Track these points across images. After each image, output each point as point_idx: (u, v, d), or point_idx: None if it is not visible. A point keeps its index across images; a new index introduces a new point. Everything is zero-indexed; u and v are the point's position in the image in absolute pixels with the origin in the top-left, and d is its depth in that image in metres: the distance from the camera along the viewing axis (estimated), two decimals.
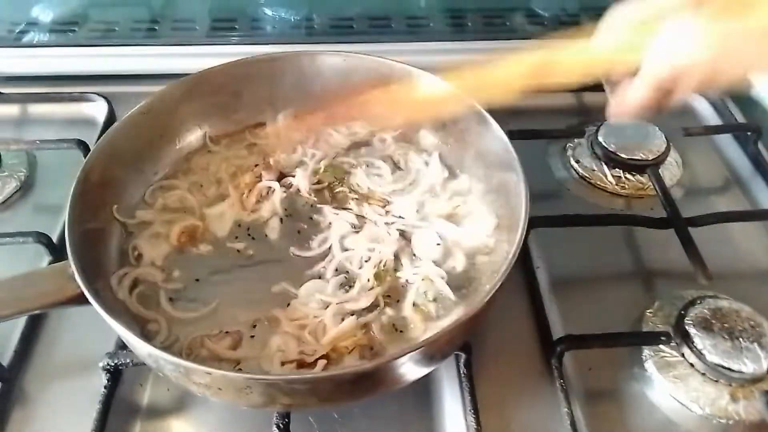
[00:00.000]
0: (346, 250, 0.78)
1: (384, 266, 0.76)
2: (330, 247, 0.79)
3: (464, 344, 0.71)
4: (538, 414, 0.71)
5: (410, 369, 0.62)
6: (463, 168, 0.87)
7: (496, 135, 0.78)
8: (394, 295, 0.74)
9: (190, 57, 1.10)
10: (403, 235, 0.79)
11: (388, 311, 0.72)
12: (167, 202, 0.83)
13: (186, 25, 1.18)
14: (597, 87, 1.05)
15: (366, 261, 0.76)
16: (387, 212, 0.83)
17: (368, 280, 0.74)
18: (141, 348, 0.60)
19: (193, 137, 0.90)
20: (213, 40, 1.16)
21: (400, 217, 0.82)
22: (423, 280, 0.74)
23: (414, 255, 0.78)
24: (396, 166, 0.89)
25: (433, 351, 0.62)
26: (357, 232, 0.80)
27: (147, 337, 0.67)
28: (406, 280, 0.75)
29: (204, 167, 0.88)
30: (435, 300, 0.73)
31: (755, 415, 0.70)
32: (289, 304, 0.73)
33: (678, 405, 0.72)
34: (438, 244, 0.78)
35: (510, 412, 0.72)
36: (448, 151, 0.89)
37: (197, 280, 0.76)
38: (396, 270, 0.76)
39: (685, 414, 0.71)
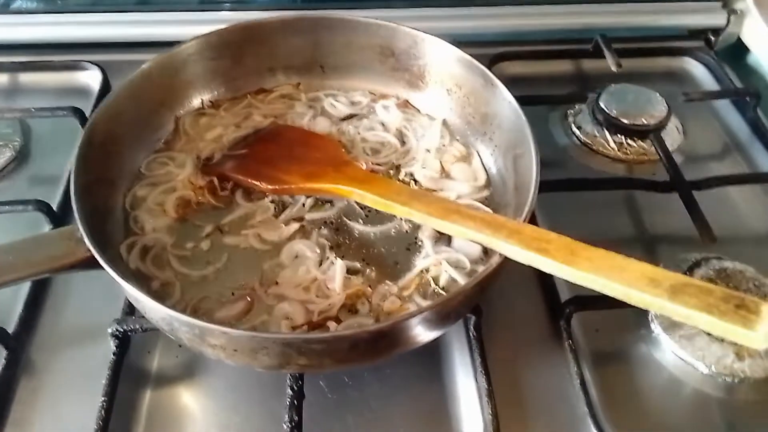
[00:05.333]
0: None
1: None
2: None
3: (475, 307, 0.71)
4: (547, 375, 0.72)
5: (425, 329, 0.62)
6: (468, 133, 0.87)
7: (504, 98, 0.78)
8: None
9: (183, 24, 1.08)
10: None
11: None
12: (157, 175, 0.81)
13: None
14: (597, 54, 1.08)
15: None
16: None
17: None
18: (155, 311, 0.59)
19: (194, 103, 0.88)
20: (206, 7, 1.13)
21: None
22: (435, 266, 0.72)
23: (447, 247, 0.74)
24: (401, 140, 0.87)
25: (449, 310, 0.63)
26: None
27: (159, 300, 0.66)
28: (425, 269, 0.72)
29: (199, 132, 0.86)
30: (444, 288, 0.71)
31: (760, 373, 0.71)
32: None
33: (684, 364, 0.72)
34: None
35: (520, 374, 0.72)
36: (454, 117, 0.88)
37: (202, 245, 0.74)
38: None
39: (692, 373, 0.72)
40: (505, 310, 0.77)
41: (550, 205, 0.86)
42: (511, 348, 0.74)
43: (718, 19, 1.15)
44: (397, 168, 0.83)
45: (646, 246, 0.87)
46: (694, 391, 0.72)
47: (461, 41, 0.87)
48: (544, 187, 0.82)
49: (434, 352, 0.74)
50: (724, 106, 1.05)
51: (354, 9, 1.03)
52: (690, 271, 0.77)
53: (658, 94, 0.99)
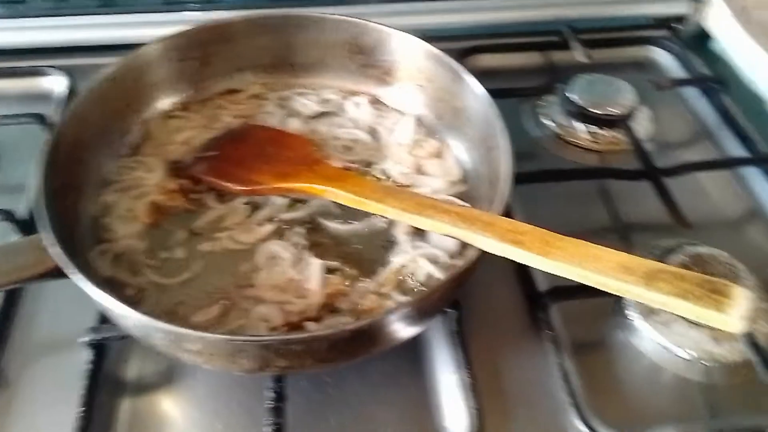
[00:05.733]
0: None
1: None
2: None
3: (454, 301, 0.71)
4: (529, 365, 0.72)
5: (405, 325, 0.61)
6: (441, 128, 0.86)
7: (474, 91, 0.78)
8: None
9: (149, 25, 1.06)
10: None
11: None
12: (126, 180, 0.79)
13: None
14: (565, 45, 1.09)
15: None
16: None
17: None
18: (128, 318, 0.58)
19: (162, 106, 0.87)
20: (172, 8, 1.11)
21: None
22: (412, 262, 0.72)
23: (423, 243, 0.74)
24: (374, 137, 0.87)
25: (427, 306, 0.62)
26: None
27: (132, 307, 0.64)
28: (402, 265, 0.72)
29: (168, 135, 0.85)
30: (422, 284, 0.70)
31: (738, 356, 0.71)
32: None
33: (663, 350, 0.73)
34: None
35: (501, 366, 0.72)
36: (426, 112, 0.88)
37: (175, 250, 0.73)
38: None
39: (671, 358, 0.73)
40: (485, 303, 0.77)
41: (526, 198, 0.86)
42: (492, 340, 0.74)
43: (682, 7, 1.16)
44: (370, 165, 0.83)
45: (622, 234, 0.87)
46: (674, 376, 0.72)
47: (431, 36, 0.86)
48: (518, 179, 0.82)
49: (415, 348, 0.73)
50: (693, 94, 1.07)
51: (324, 6, 1.02)
52: (665, 257, 0.77)
53: (626, 83, 1.00)
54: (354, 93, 0.91)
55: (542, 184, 0.88)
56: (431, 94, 0.86)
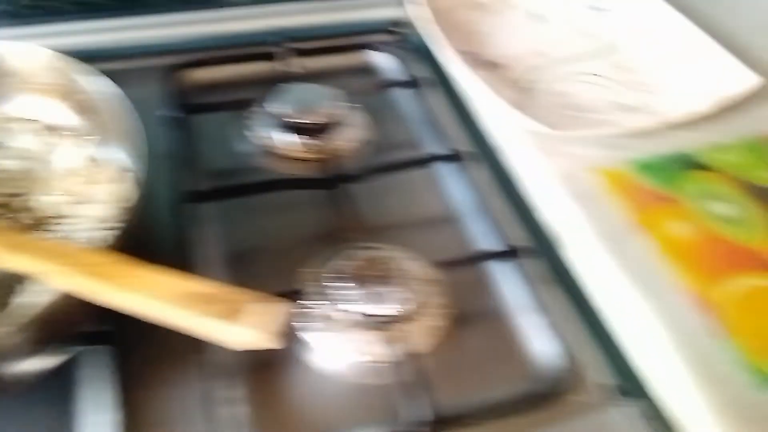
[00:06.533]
0: None
1: None
2: None
3: (107, 335, 0.67)
4: (194, 396, 0.68)
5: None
6: (112, 148, 0.80)
7: (120, 105, 0.74)
8: None
9: None
10: None
11: None
12: None
13: None
14: (283, 55, 1.07)
15: None
16: None
17: None
18: None
19: None
20: None
21: None
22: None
23: None
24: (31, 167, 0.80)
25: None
26: None
27: None
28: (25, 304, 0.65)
29: None
30: None
31: (403, 354, 0.71)
32: None
33: (338, 359, 0.72)
34: None
35: (162, 400, 0.68)
36: (92, 133, 0.81)
37: None
38: None
39: (344, 365, 0.71)
40: (148, 334, 0.71)
41: (230, 214, 0.84)
42: (153, 373, 0.69)
43: (398, 12, 1.18)
44: (18, 197, 0.76)
45: (310, 243, 0.83)
46: (352, 382, 0.71)
47: (137, 53, 0.80)
48: (203, 197, 0.80)
49: (68, 385, 0.67)
50: (406, 96, 1.07)
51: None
52: (334, 263, 0.76)
53: (337, 90, 0.99)
54: (13, 120, 0.83)
55: (241, 199, 0.85)
56: (88, 112, 0.80)
